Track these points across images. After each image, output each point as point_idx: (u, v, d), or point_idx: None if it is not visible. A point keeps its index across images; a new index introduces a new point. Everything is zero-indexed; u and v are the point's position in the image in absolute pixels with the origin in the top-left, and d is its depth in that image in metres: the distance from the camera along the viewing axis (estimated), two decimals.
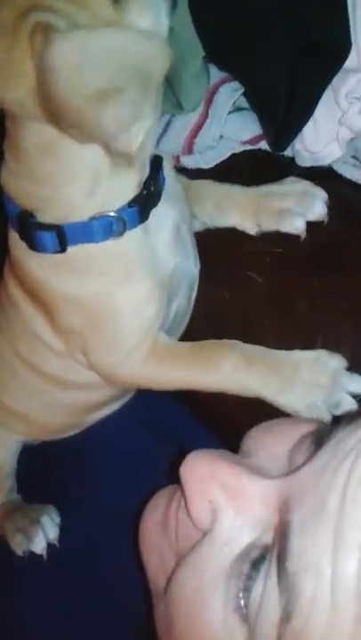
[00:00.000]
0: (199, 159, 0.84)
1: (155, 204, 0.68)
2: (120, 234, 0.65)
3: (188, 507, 0.52)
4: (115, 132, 0.54)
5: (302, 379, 0.66)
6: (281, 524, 0.45)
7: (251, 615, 0.45)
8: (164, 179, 0.69)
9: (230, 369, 0.68)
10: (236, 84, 0.79)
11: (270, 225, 0.75)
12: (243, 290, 0.77)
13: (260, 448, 0.55)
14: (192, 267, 0.75)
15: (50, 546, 0.84)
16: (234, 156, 0.85)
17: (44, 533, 0.84)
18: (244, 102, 0.82)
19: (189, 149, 0.82)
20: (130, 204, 0.65)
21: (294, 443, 0.53)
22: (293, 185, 0.76)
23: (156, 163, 0.68)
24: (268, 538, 0.47)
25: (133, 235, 0.66)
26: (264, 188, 0.76)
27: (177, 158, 0.85)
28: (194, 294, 0.78)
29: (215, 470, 0.50)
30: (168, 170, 0.72)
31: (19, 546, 0.84)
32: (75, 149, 0.59)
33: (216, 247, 0.80)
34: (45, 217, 0.64)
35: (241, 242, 0.78)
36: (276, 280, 0.75)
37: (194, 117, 0.81)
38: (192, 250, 0.75)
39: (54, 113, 0.54)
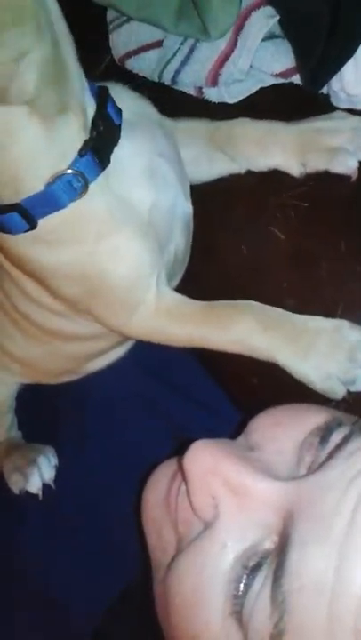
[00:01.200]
0: (224, 92, 0.75)
1: (114, 143, 0.60)
2: (85, 189, 0.58)
3: (189, 497, 0.51)
4: (4, 83, 0.46)
5: (318, 349, 0.63)
6: (282, 535, 0.44)
7: (244, 623, 0.44)
8: (119, 110, 0.61)
9: (244, 332, 0.65)
10: (270, 10, 0.70)
11: (319, 164, 0.68)
12: (262, 245, 0.71)
13: (266, 442, 0.52)
14: (181, 202, 0.68)
15: (47, 486, 0.83)
16: (262, 89, 0.76)
17: (39, 473, 0.84)
18: (277, 28, 0.73)
19: (213, 81, 0.74)
20: (80, 153, 0.57)
21: (303, 436, 0.51)
22: (344, 121, 0.69)
23: (101, 95, 0.60)
24: (269, 544, 0.46)
25: (95, 187, 0.59)
26: (309, 124, 0.70)
27: (199, 90, 0.76)
28: (190, 234, 0.72)
29: (219, 465, 0.49)
30: (126, 97, 0.64)
31: (15, 484, 0.84)
32: None
33: (236, 195, 0.74)
34: (5, 200, 0.57)
35: (264, 192, 0.71)
36: (299, 238, 0.69)
37: (221, 45, 0.71)
38: (177, 183, 0.67)
39: None
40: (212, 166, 0.73)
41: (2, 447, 0.91)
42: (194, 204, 0.71)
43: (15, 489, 0.84)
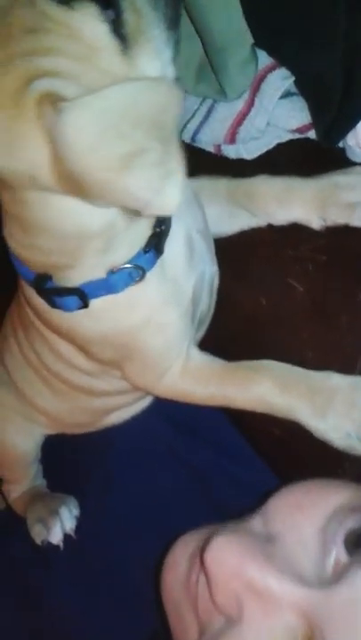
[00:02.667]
0: (242, 149, 0.77)
1: (168, 233, 0.63)
2: (140, 280, 0.61)
3: (212, 596, 0.50)
4: (148, 198, 0.47)
5: (336, 409, 0.64)
6: None
7: None
8: None
9: (264, 392, 0.66)
10: (286, 72, 0.72)
11: (338, 218, 0.70)
12: (282, 297, 0.72)
13: (287, 530, 0.52)
14: (210, 269, 0.71)
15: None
16: (279, 145, 0.78)
17: (61, 524, 0.85)
18: (293, 86, 0.75)
19: (232, 139, 0.76)
20: (145, 250, 0.60)
21: (324, 521, 0.50)
22: None
23: None
24: None
25: (150, 274, 0.62)
26: (328, 179, 0.71)
27: (217, 147, 0.78)
28: (215, 292, 0.74)
29: (242, 568, 0.49)
30: None
31: (37, 535, 0.85)
32: (87, 215, 0.54)
33: (256, 247, 0.75)
34: (63, 280, 0.60)
35: (283, 245, 0.72)
36: (317, 290, 0.70)
37: (238, 105, 0.74)
38: (208, 253, 0.71)
39: (77, 188, 0.47)
40: (233, 222, 0.75)
41: (26, 496, 0.92)
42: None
43: (38, 540, 0.85)
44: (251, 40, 0.69)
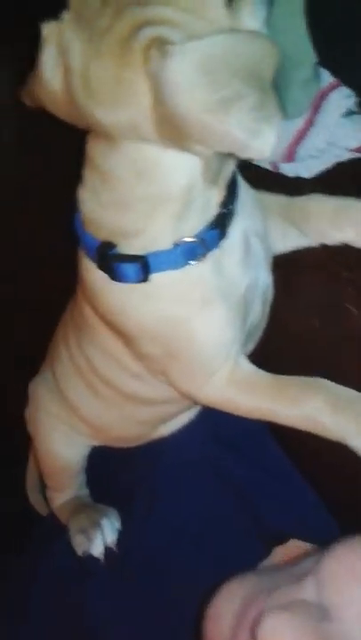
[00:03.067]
0: (299, 167, 0.76)
1: (232, 221, 0.63)
2: (202, 258, 0.62)
3: None
4: (246, 139, 0.49)
5: None
6: None
7: None
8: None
9: (313, 410, 0.64)
10: (348, 91, 0.71)
11: None
12: (335, 321, 0.71)
13: (345, 604, 0.50)
14: (265, 277, 0.70)
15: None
16: (338, 164, 0.77)
17: (102, 537, 0.84)
18: (354, 105, 0.74)
19: (290, 157, 0.75)
20: (211, 226, 0.61)
21: None
22: None
23: (233, 178, 0.64)
24: None
25: (208, 260, 0.62)
26: None
27: (275, 165, 0.78)
28: (268, 304, 0.73)
29: None
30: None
31: (79, 546, 0.85)
32: (173, 171, 0.56)
33: (308, 267, 0.74)
34: (128, 248, 0.61)
35: (338, 266, 0.71)
36: None
37: (298, 123, 0.73)
38: (264, 260, 0.70)
39: (177, 131, 0.50)
40: (286, 240, 0.74)
41: (69, 505, 0.92)
42: None
43: (79, 550, 0.84)
44: (314, 58, 0.68)
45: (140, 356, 0.69)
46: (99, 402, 0.81)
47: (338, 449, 0.64)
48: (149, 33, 0.49)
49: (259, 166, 0.80)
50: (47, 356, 0.91)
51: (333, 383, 0.65)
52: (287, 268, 0.74)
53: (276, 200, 0.73)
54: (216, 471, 0.85)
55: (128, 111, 0.52)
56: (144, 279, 0.61)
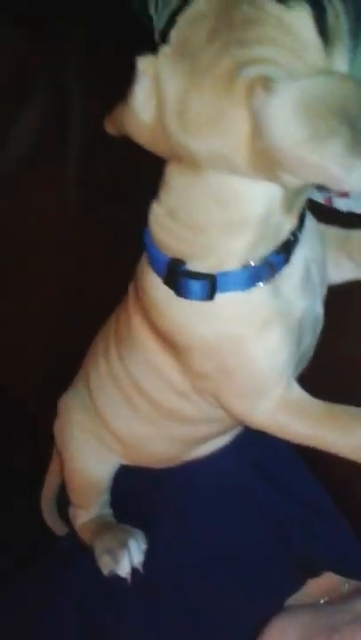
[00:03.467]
0: (352, 204, 0.78)
1: (295, 248, 0.66)
2: (267, 281, 0.63)
3: None
4: (341, 173, 0.51)
5: None
6: None
7: None
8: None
9: None
10: None
11: None
12: None
13: None
14: (318, 306, 0.72)
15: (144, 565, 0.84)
16: None
17: (129, 557, 0.84)
18: None
19: (344, 194, 0.77)
20: (277, 251, 0.63)
21: None
22: None
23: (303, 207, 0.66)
24: None
25: (269, 284, 0.64)
26: None
27: (329, 200, 0.80)
28: (317, 333, 0.75)
29: None
30: None
31: (105, 566, 0.84)
32: (253, 200, 0.59)
33: (357, 300, 0.76)
34: (198, 265, 0.63)
35: None
36: None
37: None
38: (320, 289, 0.72)
39: (271, 163, 0.53)
40: (340, 271, 0.76)
41: (93, 524, 0.92)
42: None
43: (105, 571, 0.84)
44: None
45: (192, 374, 0.70)
46: (135, 417, 0.81)
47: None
48: (255, 71, 0.52)
49: (312, 200, 0.82)
50: (81, 370, 0.91)
51: None
52: (337, 299, 0.76)
53: (333, 232, 0.75)
54: (250, 499, 0.85)
55: (222, 142, 0.54)
56: (210, 297, 0.63)
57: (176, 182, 0.61)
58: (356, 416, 0.67)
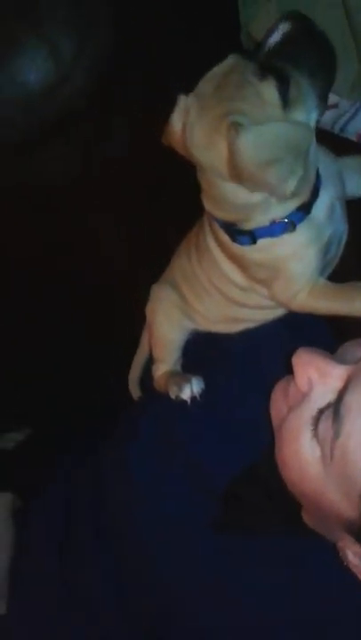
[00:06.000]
0: None
1: (315, 200, 0.97)
2: (293, 229, 0.96)
3: (295, 379, 0.84)
4: (276, 185, 0.84)
5: None
6: (342, 389, 0.77)
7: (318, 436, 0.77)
8: (319, 176, 0.95)
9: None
10: None
11: None
12: None
13: (345, 351, 0.86)
14: (342, 227, 1.03)
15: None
16: None
17: (190, 387, 1.12)
18: None
19: None
20: (298, 209, 0.93)
21: None
22: None
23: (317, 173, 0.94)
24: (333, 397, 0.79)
25: (300, 225, 0.96)
26: None
27: (359, 136, 1.10)
28: (342, 245, 1.06)
29: (314, 359, 0.83)
30: (324, 155, 0.97)
31: (172, 392, 1.12)
32: (248, 194, 0.89)
33: None
34: (243, 225, 0.97)
35: None
36: None
37: None
38: (342, 216, 1.02)
39: (239, 175, 0.84)
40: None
41: (168, 374, 1.19)
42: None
43: (172, 395, 1.12)
44: None
45: (252, 278, 1.04)
46: (209, 300, 1.14)
47: None
48: (232, 118, 0.82)
49: (347, 139, 1.12)
50: (167, 270, 1.19)
51: None
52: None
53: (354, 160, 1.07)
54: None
55: (213, 158, 0.86)
56: (253, 242, 0.96)
57: (204, 188, 0.95)
58: (354, 289, 0.98)
